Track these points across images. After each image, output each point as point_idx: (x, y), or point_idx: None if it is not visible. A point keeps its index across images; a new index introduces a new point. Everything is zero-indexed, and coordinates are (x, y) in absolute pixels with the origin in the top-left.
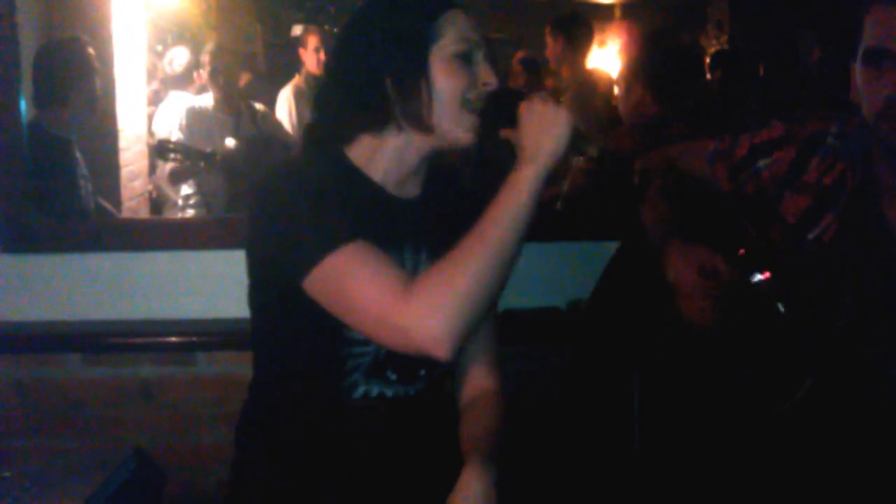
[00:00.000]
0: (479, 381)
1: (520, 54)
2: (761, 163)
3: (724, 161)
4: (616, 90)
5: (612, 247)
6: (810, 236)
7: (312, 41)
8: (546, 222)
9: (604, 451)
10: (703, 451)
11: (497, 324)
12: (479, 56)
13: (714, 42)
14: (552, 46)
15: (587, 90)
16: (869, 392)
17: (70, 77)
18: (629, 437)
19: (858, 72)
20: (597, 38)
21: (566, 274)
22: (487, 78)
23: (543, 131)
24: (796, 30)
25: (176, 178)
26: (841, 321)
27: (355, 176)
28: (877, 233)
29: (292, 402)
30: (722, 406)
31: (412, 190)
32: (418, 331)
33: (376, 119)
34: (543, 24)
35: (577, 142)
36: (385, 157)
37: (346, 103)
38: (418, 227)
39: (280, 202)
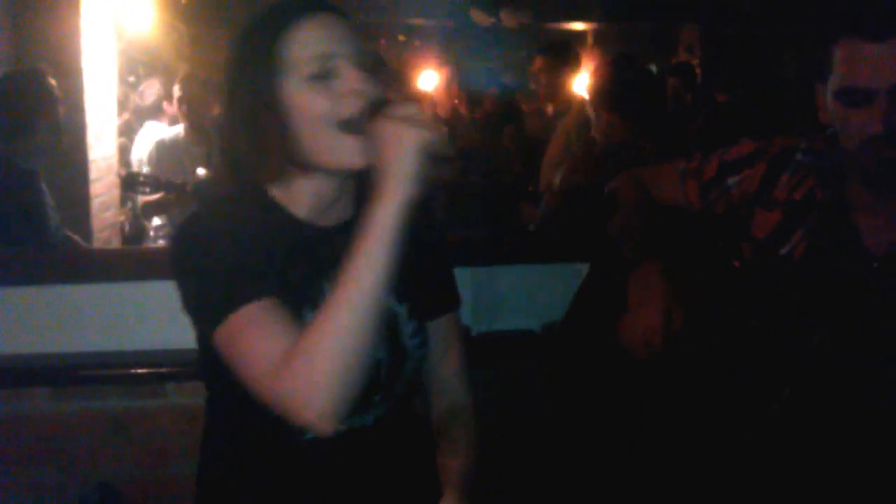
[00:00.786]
0: (451, 395)
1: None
2: (731, 180)
3: (695, 179)
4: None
5: (586, 268)
6: (782, 252)
7: None
8: (520, 244)
9: (579, 472)
10: (682, 470)
11: (462, 332)
12: (345, 65)
13: None
14: (546, 73)
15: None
16: (844, 404)
17: (31, 108)
18: (606, 458)
19: (831, 105)
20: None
21: (541, 296)
22: (357, 88)
23: (393, 151)
24: (767, 50)
25: (149, 212)
26: (815, 337)
27: (277, 214)
28: (849, 248)
29: (244, 448)
30: (701, 420)
31: (344, 212)
32: (297, 407)
33: (248, 172)
34: (518, 50)
35: (437, 162)
36: (299, 193)
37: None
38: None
39: (190, 257)
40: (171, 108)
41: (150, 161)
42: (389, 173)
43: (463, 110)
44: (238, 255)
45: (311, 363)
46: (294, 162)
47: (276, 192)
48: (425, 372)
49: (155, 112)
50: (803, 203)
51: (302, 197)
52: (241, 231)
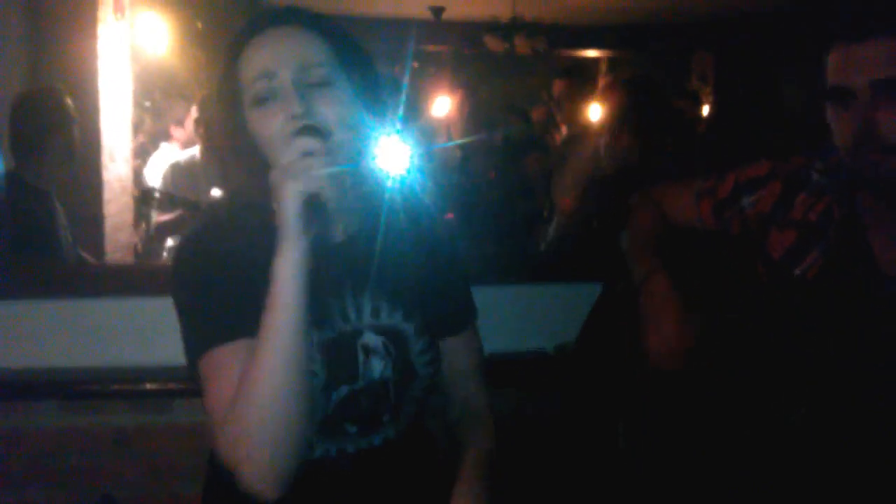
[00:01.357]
0: (465, 402)
1: (538, 110)
2: (746, 200)
3: (709, 199)
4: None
5: (599, 288)
6: (796, 272)
7: None
8: (532, 264)
9: (592, 494)
10: (694, 490)
11: (479, 346)
12: (283, 85)
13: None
14: (566, 97)
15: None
16: (860, 424)
17: (46, 128)
18: (618, 479)
19: (828, 112)
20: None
21: (553, 316)
22: (292, 112)
23: (278, 203)
24: (778, 76)
25: (162, 233)
26: (827, 358)
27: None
28: (863, 267)
29: None
30: (714, 442)
31: (348, 227)
32: (233, 468)
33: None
34: (532, 77)
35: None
36: None
37: None
38: (353, 267)
39: (184, 282)
40: (181, 133)
41: (165, 182)
42: (280, 226)
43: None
44: (227, 287)
45: (236, 427)
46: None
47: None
48: (441, 388)
49: (167, 135)
50: (819, 223)
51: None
52: (239, 254)
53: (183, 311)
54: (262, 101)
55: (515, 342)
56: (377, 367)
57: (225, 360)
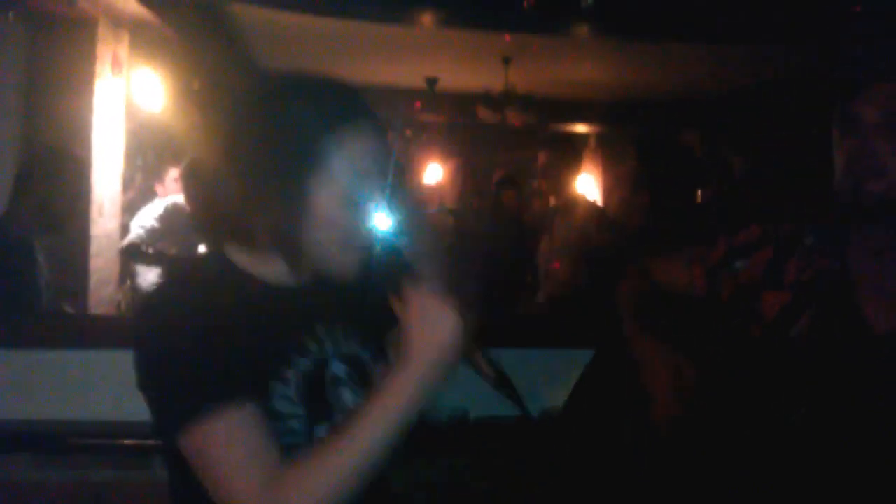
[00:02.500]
0: None
1: (498, 174)
2: (738, 264)
3: (702, 265)
4: (612, 198)
5: (583, 355)
6: (791, 334)
7: None
8: (520, 330)
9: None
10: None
11: None
12: (376, 192)
13: None
14: (549, 168)
15: (573, 212)
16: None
17: (35, 179)
18: (622, 476)
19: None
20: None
21: (539, 382)
22: (375, 224)
23: (432, 328)
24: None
25: (128, 253)
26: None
27: (244, 280)
28: (853, 327)
29: None
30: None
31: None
32: None
33: (234, 239)
34: (522, 149)
35: (471, 352)
36: (270, 261)
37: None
38: (325, 309)
39: (154, 345)
40: (162, 189)
41: (154, 232)
42: (427, 344)
43: (472, 202)
44: (205, 346)
45: (304, 498)
46: (285, 244)
47: (241, 258)
48: None
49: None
50: (811, 284)
51: (272, 265)
52: (210, 307)
53: (158, 378)
54: (352, 197)
55: (500, 407)
56: (347, 396)
57: (228, 428)
